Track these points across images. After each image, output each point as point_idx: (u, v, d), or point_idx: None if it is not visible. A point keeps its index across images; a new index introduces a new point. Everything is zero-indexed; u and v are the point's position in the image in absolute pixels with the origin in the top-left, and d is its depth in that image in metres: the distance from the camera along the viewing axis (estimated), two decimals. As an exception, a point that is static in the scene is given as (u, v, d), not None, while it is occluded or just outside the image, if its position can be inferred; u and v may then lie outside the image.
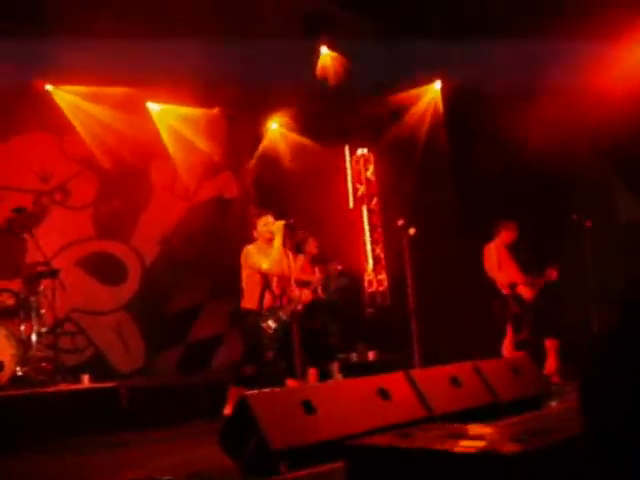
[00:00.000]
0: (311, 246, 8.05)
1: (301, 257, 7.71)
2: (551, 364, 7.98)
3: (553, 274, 8.07)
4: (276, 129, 10.72)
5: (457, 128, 10.29)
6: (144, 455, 5.65)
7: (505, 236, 8.37)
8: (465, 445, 3.32)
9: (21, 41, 8.59)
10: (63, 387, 7.26)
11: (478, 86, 9.59)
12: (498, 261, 8.25)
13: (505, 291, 8.17)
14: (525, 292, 8.17)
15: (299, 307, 6.78)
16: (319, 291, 7.70)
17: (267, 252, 6.79)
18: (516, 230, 8.36)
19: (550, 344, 8.05)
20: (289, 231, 6.64)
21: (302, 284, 7.28)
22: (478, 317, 8.82)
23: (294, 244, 7.27)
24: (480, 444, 3.33)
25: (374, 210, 11.51)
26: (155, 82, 9.40)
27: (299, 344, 6.31)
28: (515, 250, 8.39)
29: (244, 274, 6.91)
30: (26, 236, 8.11)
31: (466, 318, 9.24)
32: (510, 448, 3.20)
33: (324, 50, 9.52)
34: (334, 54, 9.55)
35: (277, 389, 5.93)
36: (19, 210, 7.56)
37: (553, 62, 8.80)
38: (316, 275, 7.67)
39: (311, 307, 7.51)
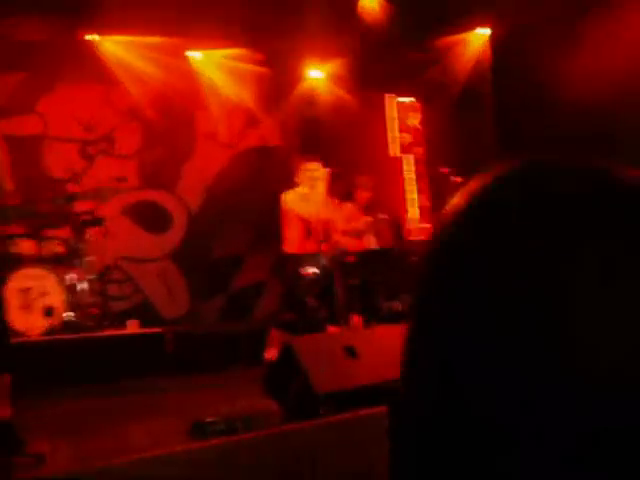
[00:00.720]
0: (363, 194, 7.94)
1: (349, 205, 7.68)
2: None
3: None
4: (319, 77, 10.61)
5: (503, 76, 10.09)
6: (187, 399, 5.79)
7: None
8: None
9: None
10: (110, 332, 7.44)
11: (526, 34, 9.36)
12: None
13: None
14: None
15: (344, 255, 6.78)
16: (369, 240, 7.67)
17: (308, 198, 6.79)
18: None
19: None
20: (334, 179, 6.62)
21: (351, 233, 7.28)
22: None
23: (344, 191, 7.29)
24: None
25: (419, 159, 11.40)
26: (197, 30, 9.37)
27: (343, 291, 6.34)
28: None
29: (284, 219, 6.91)
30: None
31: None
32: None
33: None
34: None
35: (320, 334, 6.01)
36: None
37: (604, 13, 8.56)
38: (364, 223, 7.60)
39: (361, 256, 7.53)
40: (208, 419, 4.00)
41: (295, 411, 4.24)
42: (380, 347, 4.67)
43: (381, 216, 7.67)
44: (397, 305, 7.77)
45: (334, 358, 4.45)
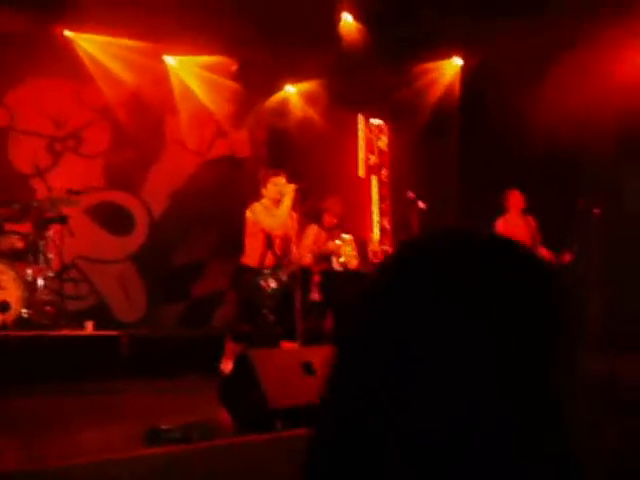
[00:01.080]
0: (330, 219, 8.01)
1: (314, 227, 7.77)
2: None
3: (566, 257, 7.96)
4: (292, 92, 10.71)
5: (471, 105, 10.28)
6: (142, 403, 5.78)
7: (514, 205, 8.31)
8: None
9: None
10: (66, 332, 7.38)
11: (496, 64, 9.56)
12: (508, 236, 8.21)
13: None
14: None
15: (304, 272, 6.83)
16: (333, 262, 7.74)
17: (273, 212, 6.82)
18: (522, 196, 8.27)
19: None
20: (300, 195, 6.67)
21: (318, 256, 7.34)
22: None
23: (312, 213, 7.39)
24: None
25: (384, 181, 11.54)
26: (175, 35, 9.40)
27: (301, 307, 6.39)
28: (527, 216, 8.33)
29: (247, 231, 6.93)
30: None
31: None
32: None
33: (346, 16, 9.46)
34: (355, 22, 9.50)
35: (277, 349, 6.05)
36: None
37: (573, 45, 8.78)
38: (329, 245, 7.68)
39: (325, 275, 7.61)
40: (163, 426, 4.00)
41: (249, 424, 4.28)
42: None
43: (347, 237, 7.74)
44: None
45: (291, 373, 4.49)
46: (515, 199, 8.28)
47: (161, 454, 3.67)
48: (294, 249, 6.86)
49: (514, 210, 8.32)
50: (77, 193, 7.91)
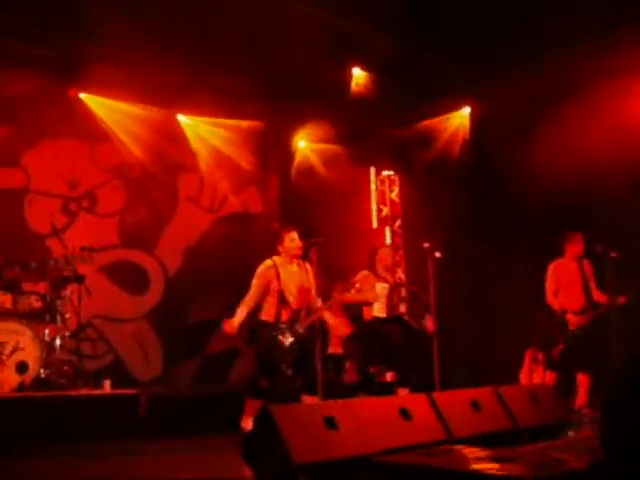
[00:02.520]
0: (381, 258, 7.98)
1: (364, 271, 7.76)
2: (582, 398, 7.75)
3: (622, 300, 7.73)
4: (304, 146, 10.80)
5: (482, 153, 10.33)
6: (162, 463, 5.71)
7: (571, 249, 8.15)
8: (490, 468, 3.35)
9: (56, 48, 8.77)
10: (85, 391, 7.34)
11: (506, 113, 9.63)
12: (558, 283, 8.10)
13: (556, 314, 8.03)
14: (572, 320, 8.01)
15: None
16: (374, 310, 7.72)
17: (287, 268, 6.82)
18: (582, 241, 8.10)
19: (582, 379, 7.83)
20: (315, 248, 6.67)
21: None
22: (498, 343, 8.80)
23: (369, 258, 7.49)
24: (503, 468, 3.35)
25: (397, 231, 11.57)
26: (186, 95, 9.55)
27: (319, 361, 6.33)
28: (584, 260, 8.19)
29: (263, 286, 6.87)
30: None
31: (486, 344, 9.22)
32: (531, 473, 3.22)
33: (356, 71, 9.58)
34: (365, 75, 9.61)
35: (299, 404, 5.98)
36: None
37: (580, 90, 8.85)
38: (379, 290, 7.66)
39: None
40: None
41: (273, 480, 4.20)
42: (361, 419, 4.66)
43: (400, 283, 7.73)
44: (389, 376, 7.74)
45: (313, 429, 4.42)
46: (576, 243, 8.13)
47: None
48: (314, 299, 6.84)
49: (570, 254, 8.18)
50: (91, 250, 7.93)
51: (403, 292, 7.86)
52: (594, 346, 7.79)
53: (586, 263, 8.19)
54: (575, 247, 8.13)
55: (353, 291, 7.16)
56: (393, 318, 7.74)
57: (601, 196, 8.96)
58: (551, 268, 8.15)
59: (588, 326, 7.91)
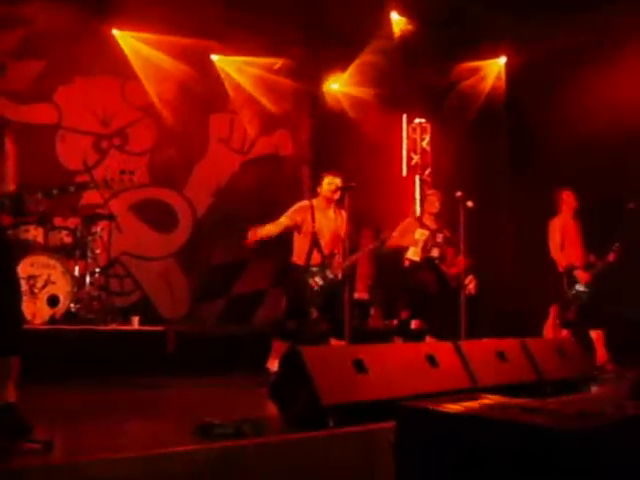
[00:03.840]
0: (428, 205, 7.98)
1: (408, 219, 7.78)
2: (602, 354, 7.83)
3: (611, 257, 7.94)
4: (337, 90, 10.68)
5: (517, 103, 10.18)
6: (189, 399, 5.81)
7: (567, 206, 8.20)
8: (515, 417, 3.36)
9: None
10: (114, 327, 7.45)
11: (541, 64, 9.46)
12: (562, 239, 8.13)
13: (561, 270, 8.08)
14: (582, 276, 8.05)
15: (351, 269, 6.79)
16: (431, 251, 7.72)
17: (324, 212, 6.82)
18: (575, 197, 8.17)
19: (596, 335, 7.93)
20: (347, 193, 6.63)
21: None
22: (526, 295, 8.79)
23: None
24: (527, 417, 3.37)
25: (426, 180, 11.48)
26: (221, 33, 9.45)
27: (348, 306, 6.35)
28: (582, 219, 8.23)
29: (297, 228, 6.87)
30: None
31: (514, 295, 9.21)
32: (554, 424, 3.24)
33: (394, 16, 9.41)
34: (402, 20, 9.45)
35: (328, 346, 6.03)
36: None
37: (622, 42, 8.66)
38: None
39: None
40: (215, 421, 3.99)
41: (300, 421, 4.26)
42: (389, 364, 4.70)
43: (439, 229, 7.75)
44: (414, 323, 7.78)
45: (342, 371, 4.47)
46: (568, 199, 8.17)
47: (215, 449, 3.66)
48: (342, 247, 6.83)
49: (567, 210, 8.20)
50: (131, 173, 7.88)
51: (439, 237, 7.82)
52: (603, 302, 7.87)
53: (577, 221, 8.21)
54: (570, 203, 8.17)
55: (392, 236, 7.18)
56: (426, 262, 7.74)
57: (635, 153, 8.85)
58: (554, 223, 8.16)
59: (593, 283, 7.97)
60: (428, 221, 7.89)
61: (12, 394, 3.95)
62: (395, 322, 9.38)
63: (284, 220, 6.75)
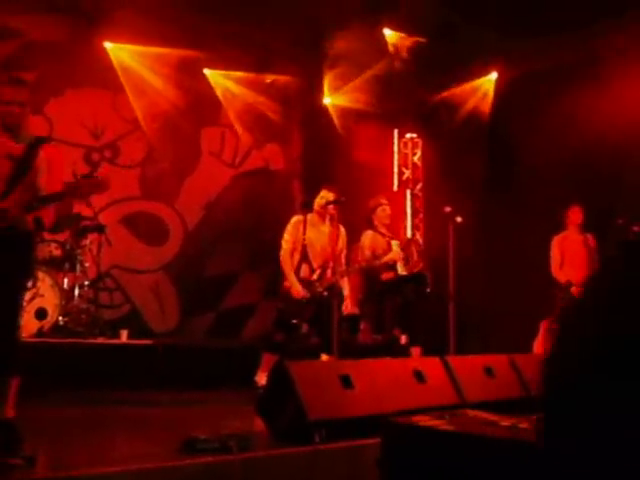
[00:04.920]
0: (382, 213, 7.66)
1: (369, 232, 7.55)
2: None
3: None
4: (327, 104, 10.71)
5: (508, 119, 10.21)
6: (176, 414, 5.78)
7: (572, 221, 8.23)
8: (501, 433, 3.36)
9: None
10: (102, 340, 7.42)
11: (534, 80, 9.51)
12: (563, 255, 8.15)
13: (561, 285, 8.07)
14: (577, 293, 8.06)
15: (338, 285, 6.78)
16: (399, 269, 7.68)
17: (317, 226, 6.83)
18: (581, 212, 8.19)
19: None
20: (337, 207, 6.65)
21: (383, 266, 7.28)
22: (515, 310, 8.79)
23: (364, 217, 7.46)
24: (513, 433, 3.36)
25: (417, 195, 11.51)
26: (213, 47, 9.47)
27: (336, 320, 6.35)
28: (587, 233, 8.25)
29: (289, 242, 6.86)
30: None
31: (502, 310, 9.22)
32: (541, 440, 3.23)
33: (387, 31, 9.45)
34: (395, 36, 9.49)
35: (315, 361, 6.02)
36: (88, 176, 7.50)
37: (612, 60, 8.71)
38: (393, 254, 7.53)
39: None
40: (201, 435, 3.98)
41: (287, 436, 4.24)
42: (376, 379, 4.69)
43: (409, 238, 7.69)
44: (403, 338, 7.76)
45: (329, 386, 4.46)
46: (574, 215, 8.20)
47: (200, 464, 3.64)
48: (339, 262, 6.82)
49: (572, 226, 8.24)
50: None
51: (414, 247, 7.86)
52: None
53: (589, 236, 8.22)
54: (575, 219, 8.22)
55: (371, 257, 7.14)
56: (415, 275, 7.73)
57: (629, 169, 8.88)
58: (556, 240, 8.24)
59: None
60: (383, 231, 7.68)
61: (10, 412, 3.97)
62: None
63: (288, 247, 6.75)
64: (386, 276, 7.68)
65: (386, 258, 7.34)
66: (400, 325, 8.33)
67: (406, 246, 7.75)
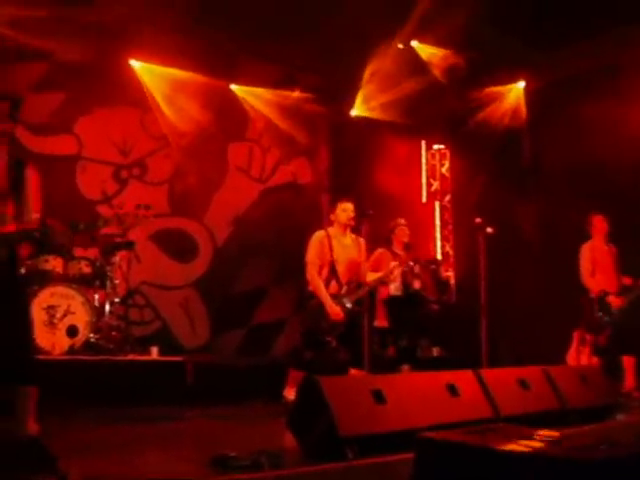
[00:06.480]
0: (401, 236, 8.05)
1: (380, 249, 7.77)
2: (630, 381, 7.69)
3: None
4: (354, 117, 10.69)
5: (536, 128, 10.12)
6: (206, 430, 5.75)
7: (598, 231, 8.13)
8: (537, 448, 3.28)
9: (110, 14, 8.78)
10: (132, 357, 7.43)
11: (562, 88, 9.42)
12: (593, 264, 8.05)
13: (593, 296, 7.96)
14: (615, 302, 7.94)
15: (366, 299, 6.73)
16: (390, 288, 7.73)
17: (340, 240, 6.77)
18: (606, 221, 8.10)
19: (628, 362, 7.78)
20: (366, 220, 6.60)
21: (380, 280, 7.25)
22: (547, 321, 8.67)
23: (384, 235, 7.64)
24: (550, 449, 3.29)
25: (446, 206, 11.43)
26: (239, 64, 9.52)
27: (367, 334, 6.29)
28: (615, 243, 8.16)
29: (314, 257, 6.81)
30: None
31: (534, 322, 9.10)
32: (578, 455, 3.15)
33: (415, 44, 9.41)
34: (420, 47, 9.45)
35: (346, 376, 5.96)
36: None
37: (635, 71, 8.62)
38: (394, 270, 7.52)
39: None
40: (231, 453, 3.94)
41: (318, 452, 4.20)
42: (409, 394, 4.63)
43: (413, 260, 7.74)
44: (436, 350, 7.75)
45: (361, 401, 4.41)
46: (599, 224, 8.10)
47: (231, 482, 3.61)
48: (363, 275, 6.77)
49: (598, 235, 8.13)
50: (147, 208, 7.89)
51: (417, 269, 7.86)
52: (636, 328, 7.70)
53: (612, 246, 8.15)
54: (601, 228, 8.12)
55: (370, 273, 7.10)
56: (409, 296, 7.78)
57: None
58: (585, 249, 8.12)
59: (628, 308, 7.83)
60: (399, 251, 7.96)
61: (34, 427, 3.97)
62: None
63: (315, 265, 6.69)
64: (383, 294, 7.89)
65: (375, 277, 7.23)
66: (430, 338, 8.30)
67: (406, 267, 7.74)
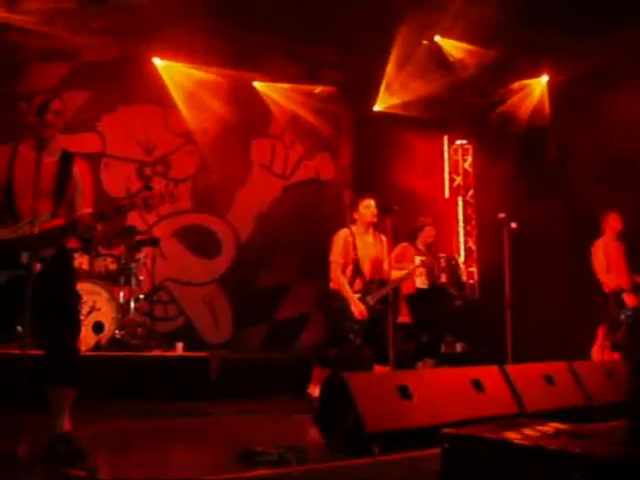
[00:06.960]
0: (428, 233, 8.11)
1: (404, 244, 7.78)
2: None
3: None
4: (377, 112, 10.68)
5: (560, 122, 10.05)
6: (232, 425, 5.79)
7: (611, 229, 8.13)
8: (564, 445, 3.27)
9: (134, 13, 8.83)
10: (157, 352, 7.49)
11: (586, 81, 9.35)
12: (607, 260, 8.02)
13: (609, 291, 7.95)
14: (630, 299, 7.91)
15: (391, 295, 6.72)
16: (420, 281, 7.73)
17: (363, 238, 6.76)
18: (620, 219, 8.10)
19: None
20: (390, 216, 6.57)
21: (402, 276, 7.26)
22: (572, 317, 8.63)
23: (409, 231, 7.68)
24: (577, 445, 3.28)
25: (469, 202, 11.40)
26: (261, 60, 9.54)
27: (391, 331, 6.27)
28: (626, 241, 8.14)
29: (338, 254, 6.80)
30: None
31: (559, 317, 9.05)
32: (605, 452, 3.14)
33: (438, 38, 9.38)
34: (443, 42, 9.41)
35: (372, 373, 5.97)
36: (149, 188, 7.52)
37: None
38: (416, 264, 7.59)
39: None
40: (258, 448, 3.97)
41: (344, 447, 4.21)
42: (434, 389, 4.63)
43: (439, 255, 7.76)
44: (460, 346, 7.74)
45: (387, 397, 4.42)
46: (613, 222, 8.06)
47: (259, 476, 3.63)
48: (387, 272, 6.75)
49: (610, 232, 8.10)
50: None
51: (442, 262, 7.87)
52: None
53: (621, 243, 8.14)
54: (615, 226, 8.11)
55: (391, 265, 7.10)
56: (435, 290, 7.77)
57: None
58: (598, 245, 8.10)
59: None
60: (422, 248, 8.06)
61: (68, 425, 4.01)
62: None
63: (340, 263, 6.69)
64: (407, 289, 7.89)
65: (399, 274, 7.22)
66: (454, 333, 8.29)
67: (433, 260, 7.77)
